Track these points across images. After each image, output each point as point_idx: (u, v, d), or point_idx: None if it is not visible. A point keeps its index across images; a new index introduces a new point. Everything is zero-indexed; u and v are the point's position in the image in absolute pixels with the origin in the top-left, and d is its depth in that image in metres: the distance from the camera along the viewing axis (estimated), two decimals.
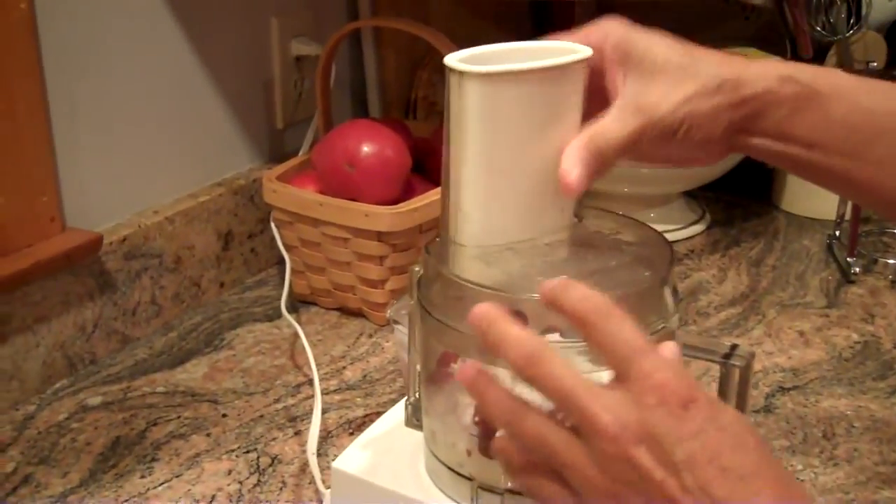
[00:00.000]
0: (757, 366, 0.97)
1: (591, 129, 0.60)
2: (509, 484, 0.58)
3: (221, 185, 1.10)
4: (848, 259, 1.15)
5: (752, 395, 0.92)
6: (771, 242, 1.25)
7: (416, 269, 0.62)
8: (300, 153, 1.14)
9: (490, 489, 0.59)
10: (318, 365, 0.96)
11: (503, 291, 0.57)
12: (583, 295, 0.51)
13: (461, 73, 0.57)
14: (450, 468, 0.61)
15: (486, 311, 0.52)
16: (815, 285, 1.14)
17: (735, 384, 0.57)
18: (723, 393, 0.57)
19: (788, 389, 0.93)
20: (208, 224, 1.07)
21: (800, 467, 0.82)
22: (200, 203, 1.06)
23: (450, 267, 0.60)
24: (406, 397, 0.66)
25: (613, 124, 0.60)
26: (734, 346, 0.57)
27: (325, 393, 0.92)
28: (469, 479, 0.60)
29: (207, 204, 1.07)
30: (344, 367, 0.97)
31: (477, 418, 0.58)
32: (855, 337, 1.03)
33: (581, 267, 0.59)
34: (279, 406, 0.90)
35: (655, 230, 0.65)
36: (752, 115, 0.61)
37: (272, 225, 1.06)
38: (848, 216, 1.19)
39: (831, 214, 1.24)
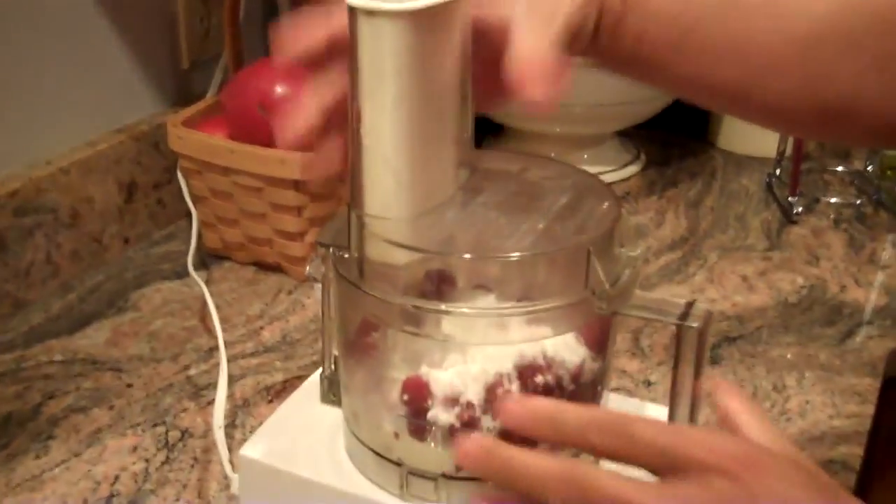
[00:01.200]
0: None
1: (517, 51, 0.52)
2: (444, 469, 0.52)
3: (122, 132, 1.01)
4: (789, 199, 1.10)
5: None
6: (709, 182, 1.19)
7: (329, 227, 0.55)
8: (208, 95, 1.06)
9: (422, 475, 0.52)
10: (232, 326, 0.89)
11: (437, 252, 0.50)
12: (575, 415, 0.47)
13: (383, 14, 0.48)
14: (375, 452, 0.54)
15: (481, 444, 0.48)
16: (757, 227, 1.09)
17: (693, 346, 0.51)
18: (679, 356, 0.51)
19: (735, 339, 0.88)
20: (108, 174, 0.98)
21: None
22: (99, 151, 0.97)
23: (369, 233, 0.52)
24: (321, 370, 0.59)
25: (532, 40, 0.53)
26: (689, 305, 0.51)
27: (241, 357, 0.85)
28: (397, 464, 0.53)
29: (107, 152, 0.98)
30: (261, 328, 0.89)
31: (406, 396, 0.51)
32: (800, 281, 0.98)
33: (536, 213, 0.52)
34: (190, 373, 0.83)
35: (563, 162, 0.58)
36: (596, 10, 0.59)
37: (179, 174, 0.98)
38: (789, 153, 1.14)
39: (770, 152, 1.19)
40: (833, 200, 1.13)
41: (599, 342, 0.53)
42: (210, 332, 0.88)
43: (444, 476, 0.52)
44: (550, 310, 0.50)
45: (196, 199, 0.97)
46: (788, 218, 1.09)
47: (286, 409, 0.60)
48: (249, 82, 0.95)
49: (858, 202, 1.12)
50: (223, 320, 0.88)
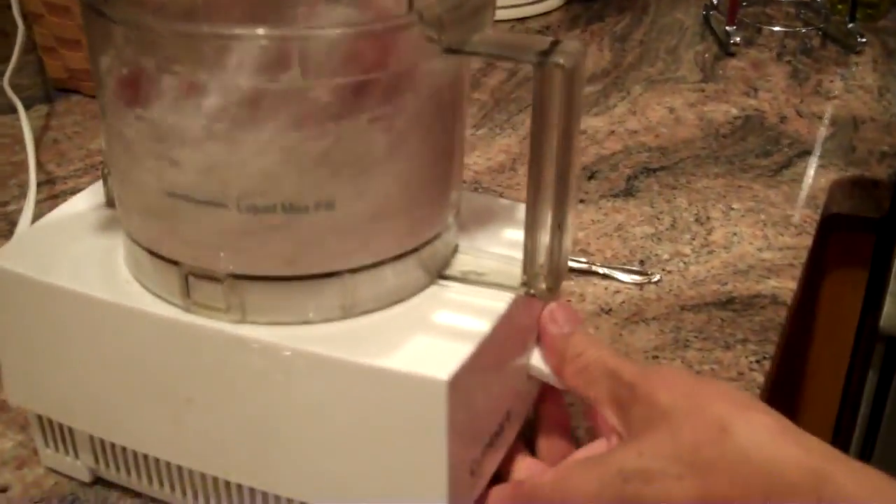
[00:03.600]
0: (617, 145, 0.80)
1: None
2: (235, 268, 0.39)
3: None
4: (726, 28, 0.97)
5: (610, 179, 0.75)
6: (639, 17, 1.06)
7: None
8: None
9: (207, 276, 0.39)
10: (68, 160, 0.76)
11: None
12: None
13: None
14: (150, 251, 0.41)
15: None
16: (689, 59, 0.96)
17: (558, 94, 0.37)
18: (540, 110, 0.38)
19: (655, 170, 0.76)
20: None
21: (666, 256, 0.65)
22: None
23: None
24: (103, 166, 0.45)
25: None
26: (555, 42, 0.38)
27: (70, 193, 0.71)
28: (175, 263, 0.40)
29: None
30: (101, 162, 0.76)
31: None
32: (735, 112, 0.86)
33: None
34: (7, 210, 0.70)
35: None
36: None
37: None
38: None
39: None
40: (776, 30, 1.00)
41: None
42: (41, 165, 0.75)
43: (235, 276, 0.39)
44: (363, 34, 0.36)
45: (29, 18, 0.82)
46: (725, 49, 0.96)
47: (60, 213, 0.47)
48: None
49: (804, 31, 1.00)
50: (59, 155, 0.76)
